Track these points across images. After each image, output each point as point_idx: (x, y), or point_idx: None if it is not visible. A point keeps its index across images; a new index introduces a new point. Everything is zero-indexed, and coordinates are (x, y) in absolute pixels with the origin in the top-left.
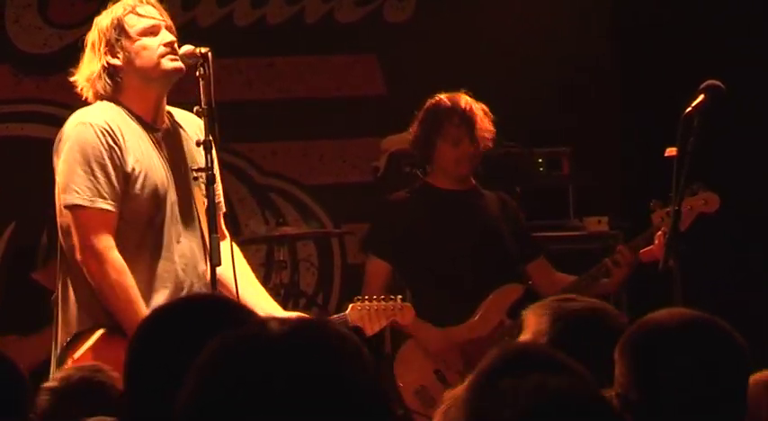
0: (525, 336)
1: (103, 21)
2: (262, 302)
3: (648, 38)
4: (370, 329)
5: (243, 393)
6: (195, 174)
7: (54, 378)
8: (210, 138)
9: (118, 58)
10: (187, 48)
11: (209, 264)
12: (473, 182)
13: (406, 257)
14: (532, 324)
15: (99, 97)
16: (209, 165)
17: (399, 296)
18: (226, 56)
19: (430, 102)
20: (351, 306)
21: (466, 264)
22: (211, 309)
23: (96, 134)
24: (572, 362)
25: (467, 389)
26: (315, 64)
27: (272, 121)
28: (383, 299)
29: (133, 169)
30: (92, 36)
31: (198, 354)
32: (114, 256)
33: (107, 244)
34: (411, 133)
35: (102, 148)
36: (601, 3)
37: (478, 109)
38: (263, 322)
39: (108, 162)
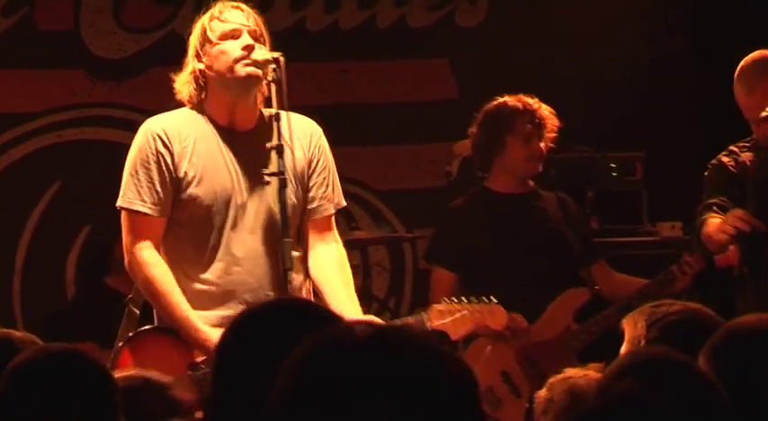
0: (624, 347)
1: (196, 26)
2: (346, 309)
3: (726, 39)
4: (455, 333)
5: (329, 395)
6: (267, 178)
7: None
8: (282, 143)
9: (203, 62)
10: (260, 52)
11: (282, 268)
12: (532, 184)
13: (468, 264)
14: (629, 331)
15: (186, 101)
16: (282, 169)
17: (491, 297)
18: (298, 60)
19: (493, 103)
20: (432, 307)
21: (528, 268)
22: (296, 312)
23: (147, 140)
24: (704, 371)
25: (594, 390)
26: (387, 69)
27: (345, 126)
28: (472, 301)
29: (186, 173)
30: (190, 41)
31: (283, 357)
32: (148, 257)
33: (142, 245)
34: (472, 136)
35: (149, 154)
36: (675, 6)
37: (546, 109)
38: (349, 325)
39: (153, 167)
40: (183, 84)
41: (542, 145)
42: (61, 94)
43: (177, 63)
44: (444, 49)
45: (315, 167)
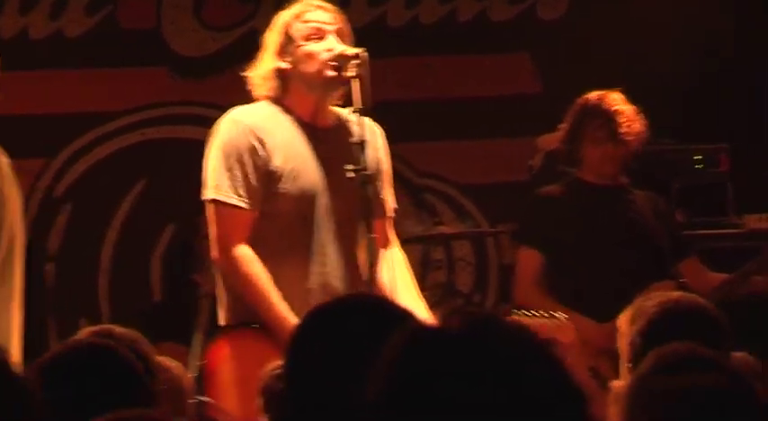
0: (619, 341)
1: (277, 23)
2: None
3: None
4: None
5: (426, 388)
6: (351, 174)
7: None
8: (365, 139)
9: (286, 61)
10: (342, 49)
11: (366, 264)
12: (623, 180)
13: (556, 251)
14: (622, 326)
15: (265, 97)
16: (365, 165)
17: (562, 314)
18: (379, 56)
19: (578, 100)
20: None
21: (616, 260)
22: (371, 308)
23: (239, 132)
24: (724, 359)
25: (626, 390)
26: (469, 63)
27: (427, 122)
28: (544, 315)
29: (278, 167)
30: (268, 37)
31: (357, 352)
32: (243, 252)
33: (237, 239)
34: (561, 131)
35: (242, 146)
36: None
37: (626, 109)
38: (447, 318)
39: (247, 160)
40: (261, 79)
41: (617, 147)
42: (144, 93)
43: (258, 61)
44: (526, 42)
45: (381, 170)
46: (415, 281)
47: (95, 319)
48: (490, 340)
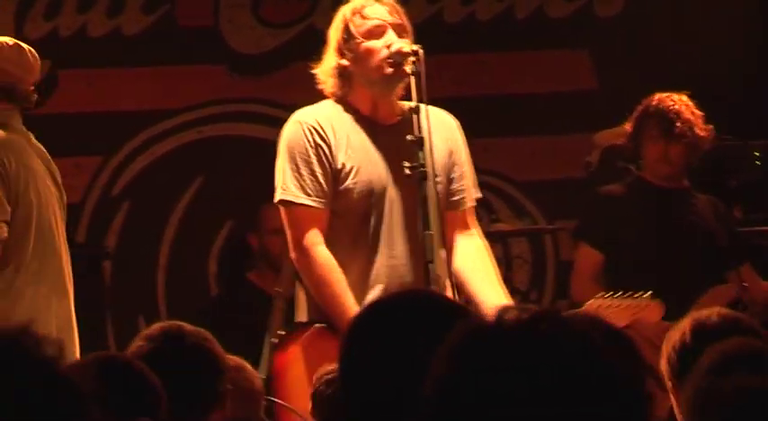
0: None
1: (337, 20)
2: (491, 300)
3: None
4: None
5: (482, 383)
6: (408, 172)
7: (331, 370)
8: (422, 135)
9: (346, 58)
10: (399, 45)
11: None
12: (685, 182)
13: (616, 250)
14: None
15: (331, 94)
16: (423, 162)
17: (649, 292)
18: (436, 53)
19: (644, 100)
20: (588, 302)
21: (676, 262)
22: (424, 303)
23: (303, 132)
24: None
25: (686, 388)
26: (525, 60)
27: (484, 118)
28: (628, 296)
29: (344, 165)
30: (330, 34)
31: (411, 348)
32: (319, 252)
33: (313, 240)
34: (626, 128)
35: (307, 146)
36: None
37: (685, 110)
38: (501, 312)
39: (314, 159)
40: (325, 76)
41: (675, 148)
42: (201, 91)
43: (316, 58)
44: (583, 39)
45: (454, 160)
46: (495, 268)
47: (153, 317)
48: (548, 334)
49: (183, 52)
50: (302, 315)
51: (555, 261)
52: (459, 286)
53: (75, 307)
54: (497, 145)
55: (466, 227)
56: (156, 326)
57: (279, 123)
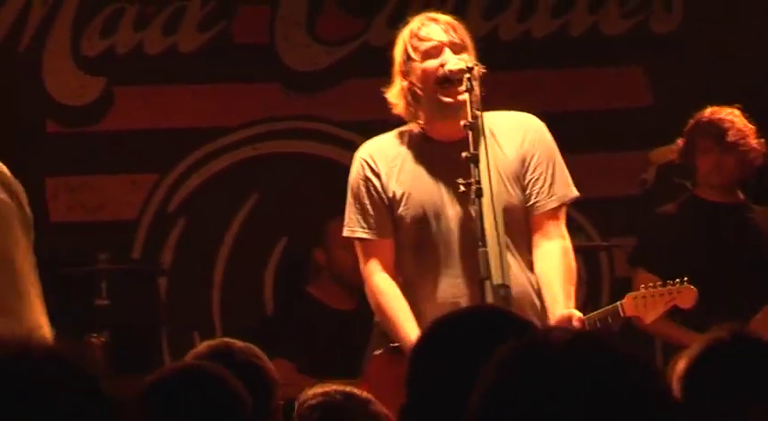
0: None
1: (398, 42)
2: (558, 305)
3: None
4: (647, 317)
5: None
6: (463, 188)
7: (313, 394)
8: (477, 152)
9: (408, 80)
10: (451, 65)
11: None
12: (740, 195)
13: (672, 272)
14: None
15: (404, 116)
16: (477, 178)
17: (685, 278)
18: (491, 69)
19: (696, 114)
20: (627, 295)
21: (735, 280)
22: (488, 320)
23: (358, 166)
24: None
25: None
26: (580, 77)
27: None
28: (661, 284)
29: (395, 193)
30: (394, 55)
31: (477, 364)
32: (377, 280)
33: (371, 269)
34: (678, 143)
35: (359, 180)
36: None
37: (737, 122)
38: (547, 332)
39: (364, 192)
40: (394, 99)
41: (723, 155)
42: (256, 108)
43: (371, 75)
44: (638, 55)
45: (529, 164)
46: (568, 273)
47: (208, 333)
48: (591, 355)
49: (239, 70)
50: (380, 340)
51: (610, 278)
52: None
53: (131, 321)
54: None
55: (543, 231)
56: (204, 345)
57: (332, 140)
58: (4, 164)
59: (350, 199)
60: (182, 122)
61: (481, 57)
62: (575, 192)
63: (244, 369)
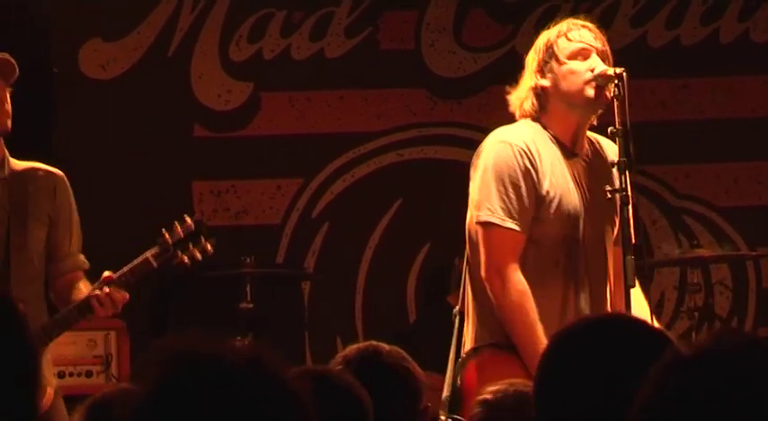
0: None
1: (539, 42)
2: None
3: None
4: None
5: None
6: (609, 195)
7: (487, 391)
8: (626, 158)
9: (546, 79)
10: (603, 68)
11: (623, 285)
12: None
13: None
14: None
15: (524, 116)
16: (623, 185)
17: None
18: (639, 77)
19: None
20: None
21: None
22: (622, 328)
23: (514, 154)
24: None
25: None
26: (730, 84)
27: (686, 143)
28: None
29: (547, 192)
30: (529, 56)
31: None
32: (518, 278)
33: (512, 264)
34: None
35: (518, 169)
36: None
37: None
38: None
39: (522, 183)
40: (520, 98)
41: None
42: (402, 114)
43: (516, 82)
44: None
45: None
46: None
47: (351, 338)
48: (760, 362)
49: (385, 75)
50: (483, 334)
51: (757, 288)
52: None
53: (275, 325)
54: (700, 170)
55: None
56: (353, 348)
57: (477, 147)
58: (153, 166)
59: (499, 185)
60: (327, 128)
61: (629, 64)
62: None
63: (392, 372)
